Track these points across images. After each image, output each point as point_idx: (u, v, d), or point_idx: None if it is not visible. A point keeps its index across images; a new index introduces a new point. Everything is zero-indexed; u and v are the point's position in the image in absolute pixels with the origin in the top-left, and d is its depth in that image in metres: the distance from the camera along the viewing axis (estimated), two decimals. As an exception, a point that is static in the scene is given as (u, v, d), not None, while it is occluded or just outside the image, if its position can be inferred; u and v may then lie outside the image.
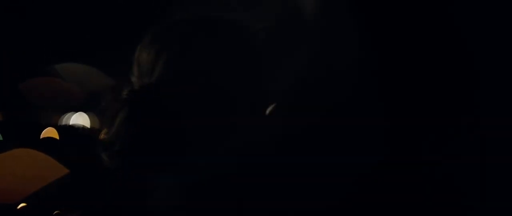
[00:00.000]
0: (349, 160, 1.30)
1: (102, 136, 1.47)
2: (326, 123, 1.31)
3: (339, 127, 1.31)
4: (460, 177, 1.28)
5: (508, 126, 1.26)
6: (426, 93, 1.30)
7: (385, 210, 1.29)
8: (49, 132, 2.75)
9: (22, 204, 1.88)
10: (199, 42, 1.41)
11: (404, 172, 1.29)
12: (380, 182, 1.28)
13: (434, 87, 1.30)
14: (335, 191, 1.28)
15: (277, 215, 1.30)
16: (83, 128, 2.71)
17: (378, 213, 1.29)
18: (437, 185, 1.30)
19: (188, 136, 1.38)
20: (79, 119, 2.77)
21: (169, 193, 1.42)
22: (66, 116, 2.77)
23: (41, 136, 2.71)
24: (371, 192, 1.28)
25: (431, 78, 1.30)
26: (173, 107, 1.38)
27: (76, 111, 2.74)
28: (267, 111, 1.52)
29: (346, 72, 1.32)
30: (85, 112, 2.78)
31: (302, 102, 1.35)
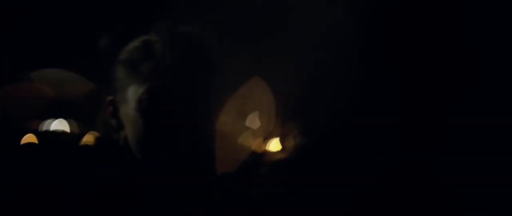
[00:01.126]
0: (352, 161, 1.32)
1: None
2: (330, 124, 1.33)
3: (342, 128, 1.32)
4: (459, 177, 1.29)
5: (508, 126, 1.27)
6: (427, 94, 1.32)
7: (385, 210, 1.30)
8: (29, 138, 2.81)
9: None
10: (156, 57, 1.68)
11: (405, 172, 1.30)
12: (381, 182, 1.30)
13: (434, 88, 1.31)
14: (339, 192, 1.30)
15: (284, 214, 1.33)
16: (63, 133, 2.78)
17: (380, 213, 1.30)
18: (437, 185, 1.31)
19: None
20: (59, 125, 2.83)
21: None
22: (47, 122, 2.81)
23: (22, 142, 2.76)
24: (373, 193, 1.30)
25: (433, 79, 1.31)
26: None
27: (56, 118, 2.80)
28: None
29: (349, 74, 1.34)
30: (65, 118, 2.85)
31: (304, 104, 1.37)
